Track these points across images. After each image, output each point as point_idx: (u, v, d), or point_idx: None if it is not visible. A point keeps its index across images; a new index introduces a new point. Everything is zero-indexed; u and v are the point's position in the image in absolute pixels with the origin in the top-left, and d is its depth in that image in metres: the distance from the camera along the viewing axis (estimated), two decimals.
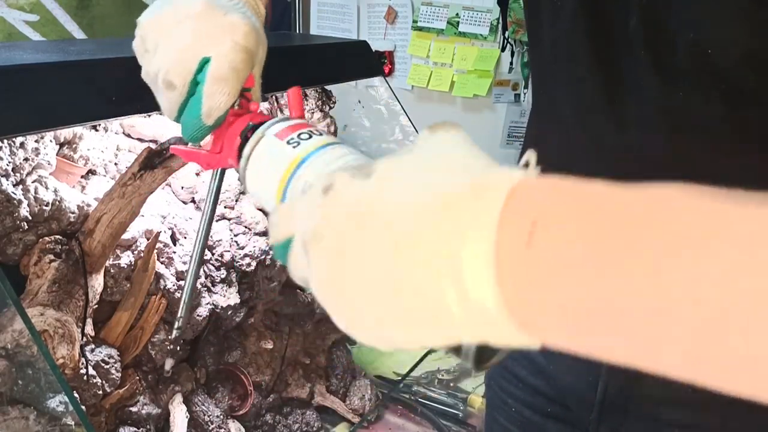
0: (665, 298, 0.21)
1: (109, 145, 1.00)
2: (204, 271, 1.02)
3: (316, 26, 2.28)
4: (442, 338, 0.28)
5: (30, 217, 0.79)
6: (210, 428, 0.97)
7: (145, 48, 0.51)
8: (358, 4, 2.17)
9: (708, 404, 0.49)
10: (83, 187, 0.93)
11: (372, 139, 1.96)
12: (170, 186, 1.06)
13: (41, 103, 0.60)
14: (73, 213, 0.85)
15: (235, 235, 1.07)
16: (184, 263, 0.99)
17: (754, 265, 0.20)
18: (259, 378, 1.10)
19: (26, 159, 0.80)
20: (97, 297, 0.86)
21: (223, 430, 0.99)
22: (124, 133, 1.03)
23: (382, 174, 0.29)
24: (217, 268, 1.04)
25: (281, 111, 1.36)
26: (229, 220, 1.09)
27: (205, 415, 0.98)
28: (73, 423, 0.72)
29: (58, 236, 0.83)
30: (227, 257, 1.04)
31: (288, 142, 0.43)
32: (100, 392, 0.83)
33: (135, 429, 0.88)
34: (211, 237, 1.05)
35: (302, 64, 0.96)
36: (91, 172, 0.96)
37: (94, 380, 0.82)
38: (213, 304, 1.01)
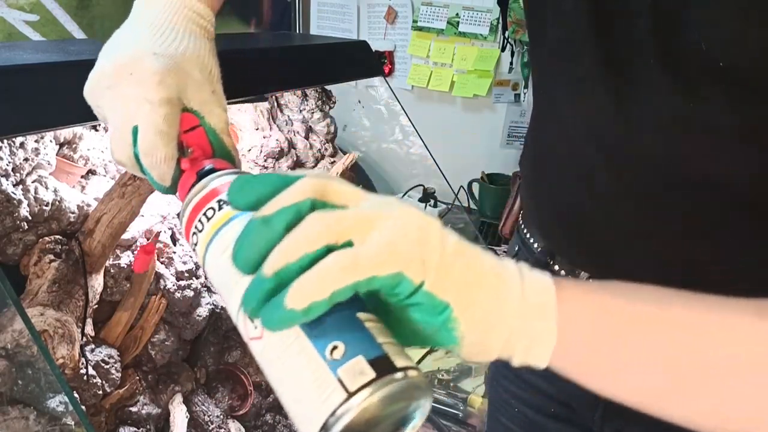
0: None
1: (109, 145, 1.00)
2: (204, 271, 1.02)
3: (316, 26, 2.28)
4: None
5: (30, 217, 0.79)
6: (210, 428, 0.97)
7: (103, 117, 0.50)
8: (358, 4, 2.17)
9: None
10: (83, 187, 0.93)
11: (372, 139, 1.96)
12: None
13: (41, 103, 0.60)
14: (73, 213, 0.85)
15: None
16: (184, 263, 0.99)
17: None
18: (259, 378, 1.10)
19: (26, 159, 0.80)
20: (97, 297, 0.85)
21: (223, 430, 0.99)
22: None
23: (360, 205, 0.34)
24: None
25: (281, 111, 1.36)
26: None
27: (205, 415, 0.98)
28: (73, 423, 0.72)
29: (58, 236, 0.83)
30: None
31: (193, 234, 0.39)
32: (100, 392, 0.82)
33: (135, 429, 0.88)
34: None
35: (302, 64, 0.96)
36: (91, 172, 0.96)
37: (94, 380, 0.82)
38: (213, 304, 1.01)
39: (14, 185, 0.78)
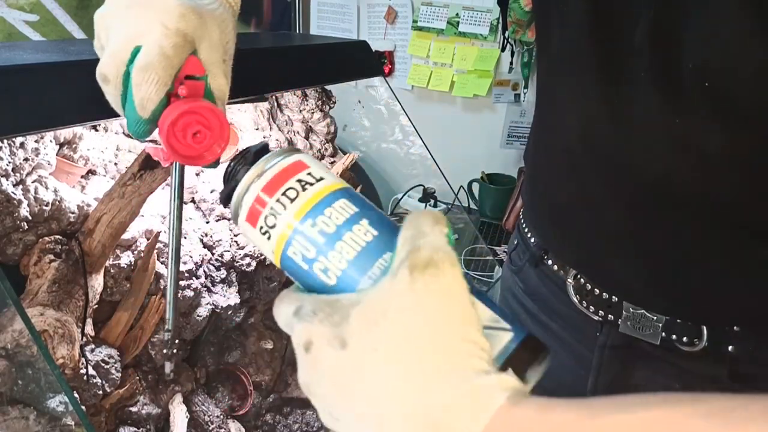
0: None
1: (109, 145, 1.00)
2: (204, 271, 1.02)
3: (316, 26, 2.28)
4: None
5: (30, 217, 0.79)
6: (210, 428, 0.97)
7: (101, 44, 0.48)
8: (358, 4, 2.17)
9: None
10: (83, 187, 0.93)
11: (372, 138, 1.96)
12: (170, 186, 1.06)
13: (41, 103, 0.60)
14: (73, 213, 0.85)
15: (235, 235, 1.07)
16: (184, 263, 0.99)
17: None
18: (259, 378, 1.10)
19: (26, 159, 0.80)
20: (97, 297, 0.85)
21: (223, 430, 0.99)
22: (124, 133, 1.03)
23: (356, 347, 0.31)
24: (217, 268, 1.04)
25: (281, 111, 1.36)
26: (229, 219, 1.09)
27: (205, 415, 0.98)
28: (73, 423, 0.72)
29: (58, 236, 0.83)
30: (227, 257, 1.04)
31: (262, 223, 0.37)
32: (100, 392, 0.82)
33: (135, 429, 0.88)
34: (211, 237, 1.05)
35: (302, 64, 0.96)
36: (91, 172, 0.96)
37: (94, 380, 0.82)
38: (213, 304, 1.01)
39: (14, 185, 0.78)
